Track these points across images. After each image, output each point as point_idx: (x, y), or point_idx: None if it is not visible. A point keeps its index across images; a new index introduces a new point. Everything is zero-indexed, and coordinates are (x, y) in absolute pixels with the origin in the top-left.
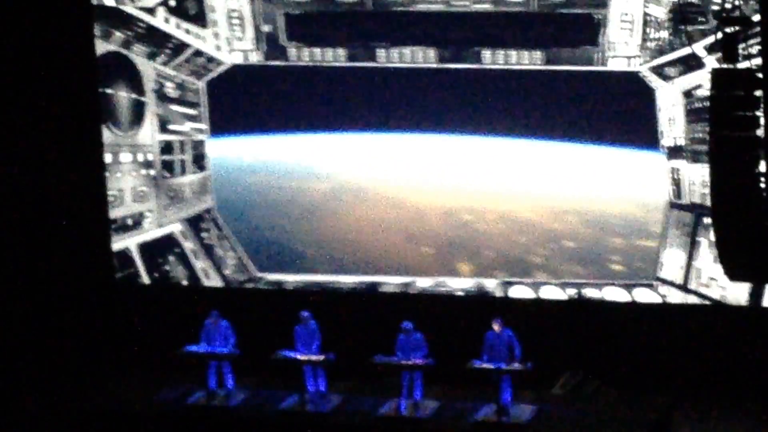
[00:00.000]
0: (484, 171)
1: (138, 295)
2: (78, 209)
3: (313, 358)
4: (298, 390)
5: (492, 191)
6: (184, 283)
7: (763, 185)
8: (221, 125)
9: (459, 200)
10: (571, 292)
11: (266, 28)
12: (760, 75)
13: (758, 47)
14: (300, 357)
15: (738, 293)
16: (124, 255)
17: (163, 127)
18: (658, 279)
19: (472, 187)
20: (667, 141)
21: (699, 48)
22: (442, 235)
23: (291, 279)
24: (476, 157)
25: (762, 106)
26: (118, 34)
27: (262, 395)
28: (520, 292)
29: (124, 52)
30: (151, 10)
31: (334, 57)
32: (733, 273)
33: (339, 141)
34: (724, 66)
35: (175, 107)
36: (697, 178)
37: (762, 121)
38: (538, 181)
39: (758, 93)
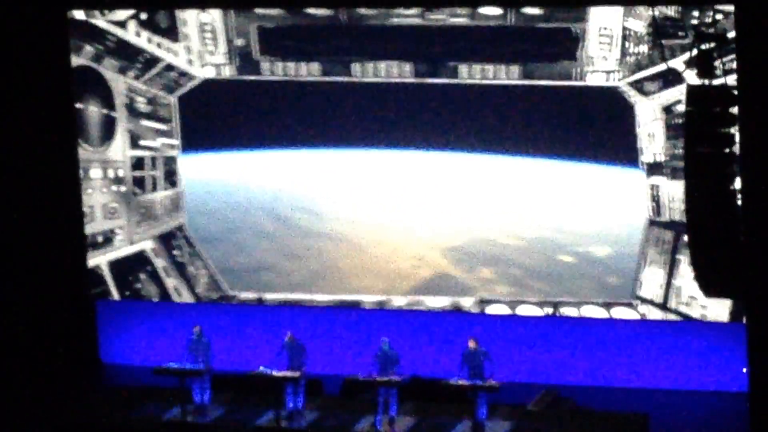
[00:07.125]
0: (459, 187)
1: (115, 311)
2: (52, 225)
3: (289, 374)
4: (275, 406)
5: (468, 208)
6: (155, 300)
7: (738, 201)
8: (193, 141)
9: (435, 216)
10: (549, 310)
11: (239, 42)
12: (736, 91)
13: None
14: (277, 374)
15: (718, 311)
16: (95, 272)
17: (134, 143)
18: (638, 298)
19: (449, 203)
20: (646, 157)
21: (678, 63)
22: (417, 252)
23: (264, 297)
24: (453, 173)
25: (738, 122)
26: (89, 48)
27: (238, 411)
28: (496, 310)
29: (95, 66)
30: (122, 24)
31: (309, 72)
32: (709, 289)
33: (313, 157)
34: (700, 82)
35: (146, 122)
36: (677, 195)
37: (738, 137)
38: (515, 197)
39: (734, 109)
